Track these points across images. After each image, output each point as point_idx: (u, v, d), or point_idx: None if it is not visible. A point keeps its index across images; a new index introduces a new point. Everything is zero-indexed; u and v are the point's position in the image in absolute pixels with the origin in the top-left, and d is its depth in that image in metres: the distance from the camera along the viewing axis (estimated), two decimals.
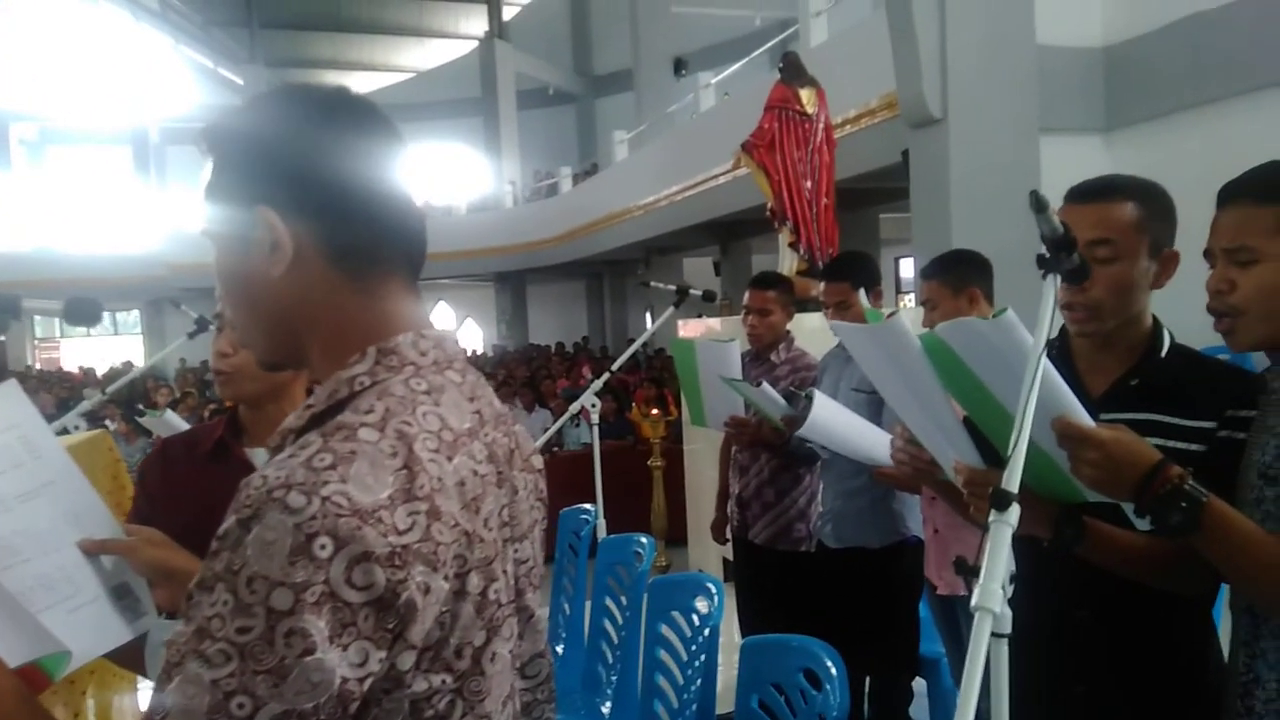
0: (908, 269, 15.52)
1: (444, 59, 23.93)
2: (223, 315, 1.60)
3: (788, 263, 5.32)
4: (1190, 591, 1.36)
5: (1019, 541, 1.49)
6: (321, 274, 0.84)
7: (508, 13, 22.20)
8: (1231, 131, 4.69)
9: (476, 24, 22.17)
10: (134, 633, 1.11)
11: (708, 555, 5.33)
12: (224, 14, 21.06)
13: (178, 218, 19.54)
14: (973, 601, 0.90)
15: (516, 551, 0.92)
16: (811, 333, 3.76)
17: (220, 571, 0.71)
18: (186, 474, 1.63)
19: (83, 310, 2.14)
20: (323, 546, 0.70)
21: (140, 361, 18.62)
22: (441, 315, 23.90)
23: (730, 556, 3.54)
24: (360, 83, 23.60)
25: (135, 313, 23.25)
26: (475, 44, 22.08)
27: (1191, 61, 4.95)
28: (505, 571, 0.87)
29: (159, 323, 21.72)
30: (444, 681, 0.79)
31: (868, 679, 2.89)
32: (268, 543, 0.70)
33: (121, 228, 21.67)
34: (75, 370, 17.86)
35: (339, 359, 0.84)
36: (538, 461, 1.01)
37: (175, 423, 3.05)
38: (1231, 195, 1.32)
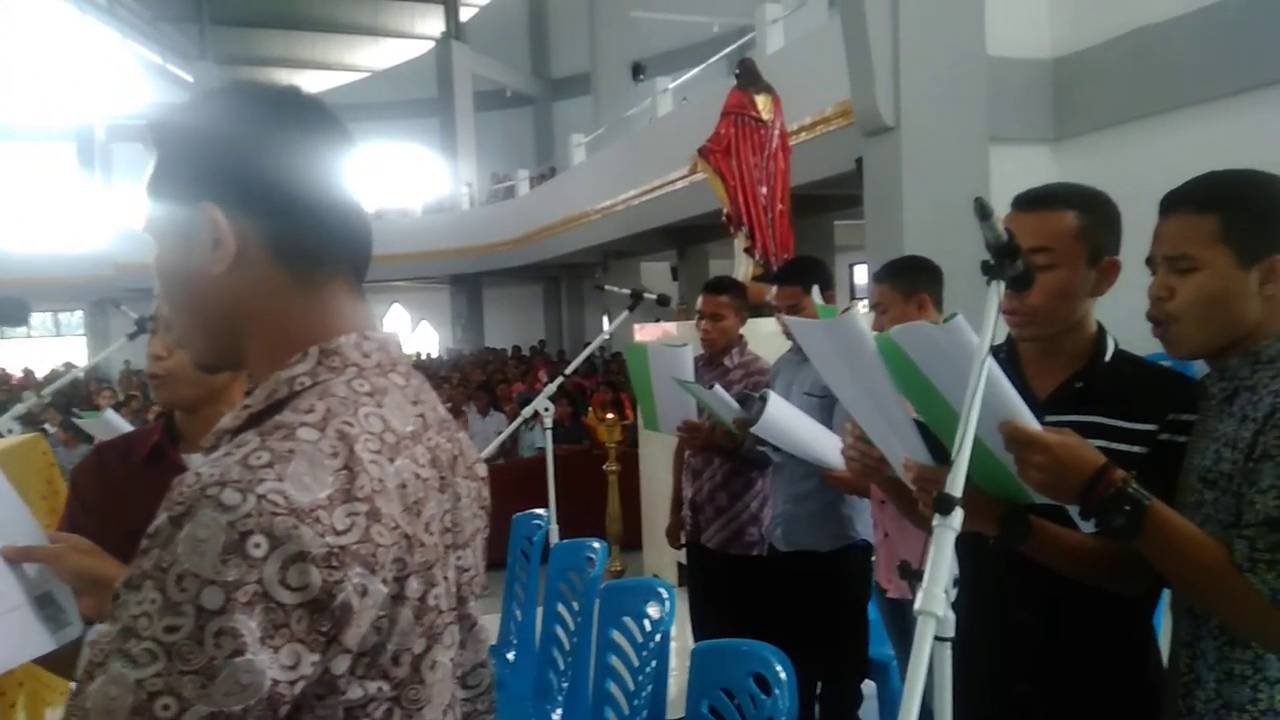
0: (862, 275, 15.70)
1: (399, 59, 23.72)
2: (157, 317, 1.57)
3: (743, 268, 5.34)
4: (1131, 591, 1.38)
5: (964, 542, 1.51)
6: (264, 273, 0.83)
7: (465, 14, 22.09)
8: (1176, 143, 4.81)
9: (433, 24, 22.01)
10: (57, 643, 1.08)
11: (662, 560, 5.32)
12: (174, 9, 20.65)
13: (124, 216, 19.09)
14: (916, 605, 0.90)
15: (459, 559, 0.90)
16: (766, 338, 3.78)
17: (149, 569, 0.69)
18: (121, 480, 1.58)
19: (8, 310, 2.07)
20: (257, 545, 0.68)
21: (83, 364, 18.14)
22: (396, 318, 23.67)
23: (684, 561, 3.53)
24: (314, 81, 23.29)
25: (79, 313, 22.66)
26: (431, 44, 21.93)
27: (1137, 74, 5.07)
28: (446, 578, 0.86)
29: (103, 324, 21.18)
30: (380, 689, 0.77)
31: (818, 682, 2.90)
32: (200, 540, 0.68)
33: (66, 226, 21.10)
34: (18, 373, 17.33)
35: (279, 360, 0.82)
36: (481, 470, 0.99)
37: (116, 423, 2.95)
38: (1173, 204, 1.34)
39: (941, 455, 1.36)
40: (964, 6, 5.24)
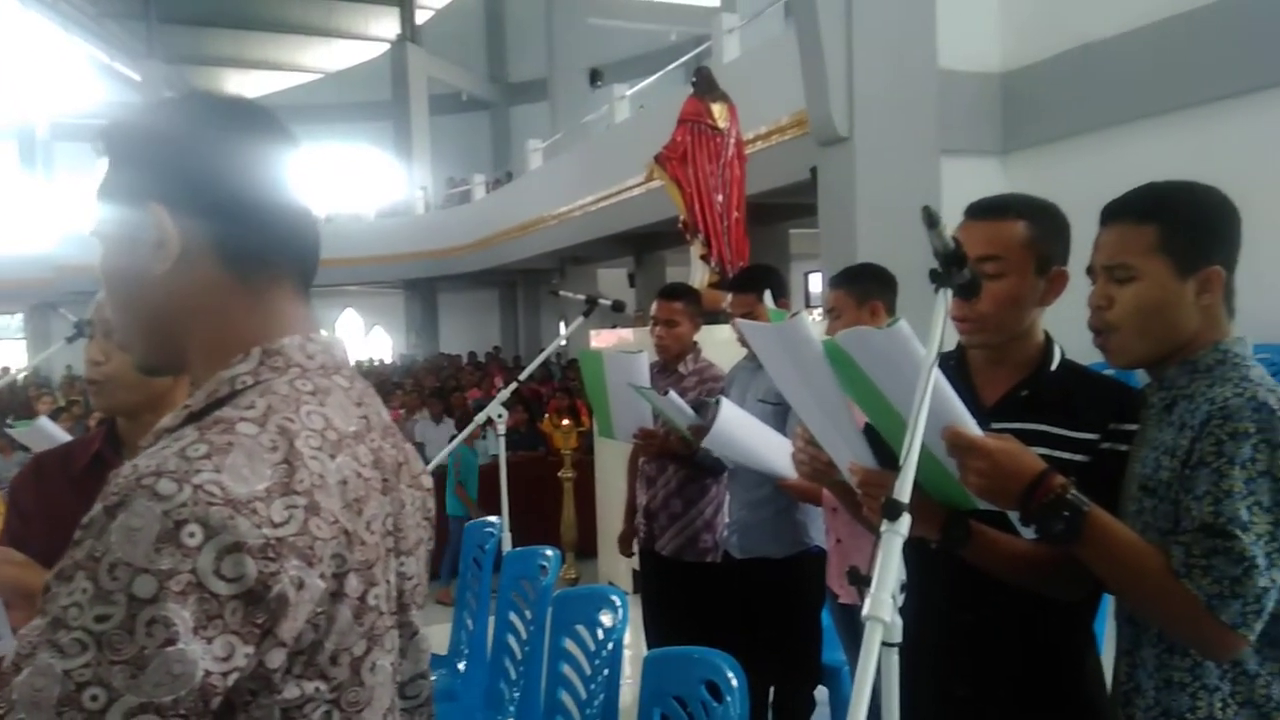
0: (817, 283, 15.85)
1: (353, 61, 23.46)
2: (95, 321, 1.52)
3: (699, 275, 5.36)
4: (1071, 597, 1.40)
5: (909, 546, 1.52)
6: (208, 275, 0.83)
7: (420, 16, 21.93)
8: (1119, 157, 4.94)
9: (387, 26, 21.82)
10: None
11: (617, 567, 5.31)
12: (120, 6, 20.18)
13: (67, 217, 18.58)
14: (864, 611, 0.90)
15: (402, 565, 0.90)
16: (721, 345, 3.78)
17: (81, 560, 0.68)
18: (61, 490, 1.54)
19: None
20: (191, 534, 0.67)
21: (22, 369, 17.59)
22: (348, 323, 23.36)
23: (639, 568, 3.52)
24: (264, 82, 22.99)
25: (19, 317, 22.01)
26: (386, 47, 21.72)
27: (1082, 89, 5.20)
28: (388, 580, 0.86)
29: (44, 327, 20.60)
30: (318, 689, 0.76)
31: (771, 689, 2.91)
32: (133, 529, 0.67)
33: (5, 227, 20.48)
34: None
35: (221, 361, 0.82)
36: (427, 481, 0.99)
37: (51, 432, 2.85)
38: (1113, 214, 1.37)
39: (887, 459, 1.37)
40: (916, 20, 5.33)
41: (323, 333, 0.89)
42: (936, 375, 1.09)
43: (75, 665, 0.65)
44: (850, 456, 1.41)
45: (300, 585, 0.72)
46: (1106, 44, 5.08)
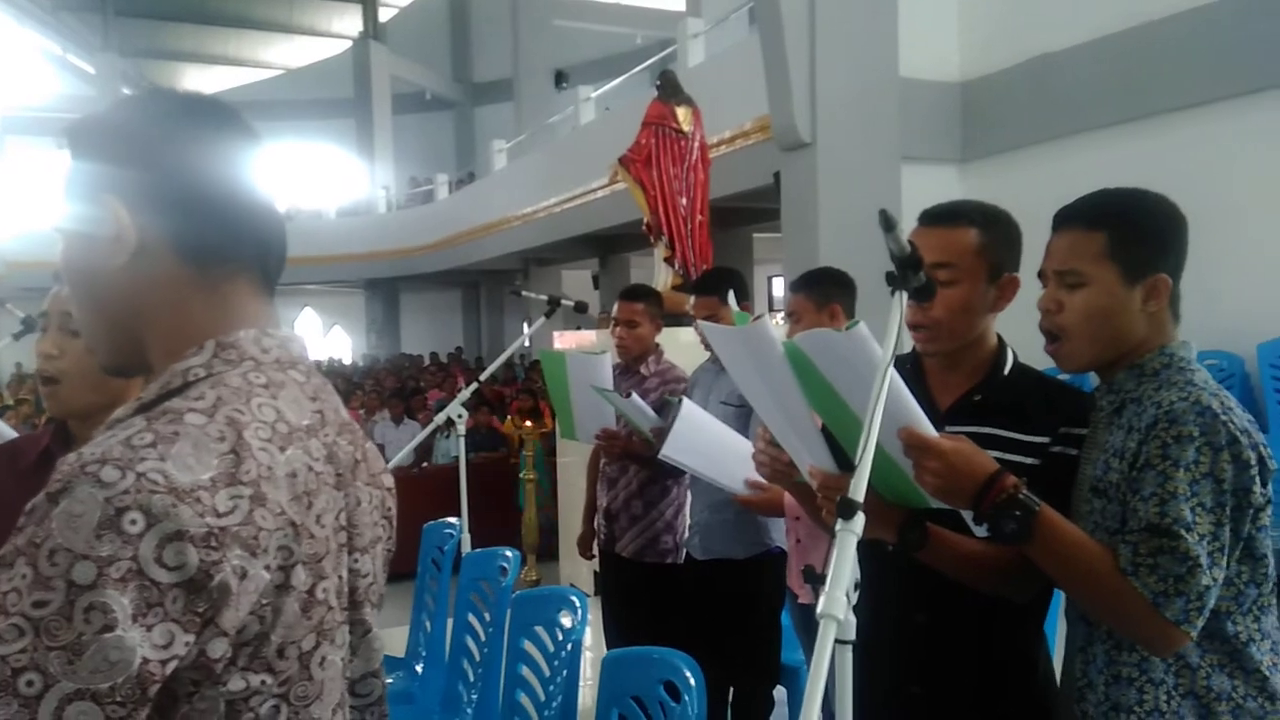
0: (780, 287, 15.97)
1: (315, 57, 23.17)
2: (50, 314, 1.49)
3: (663, 277, 5.38)
4: (1023, 596, 1.43)
5: (865, 547, 1.54)
6: (165, 269, 0.83)
7: (384, 14, 21.71)
8: (1075, 166, 5.04)
9: (350, 24, 21.58)
10: None
11: (579, 569, 5.30)
12: None
13: (18, 212, 18.11)
14: (818, 609, 0.92)
15: (356, 562, 0.90)
16: (685, 347, 3.79)
17: (22, 546, 0.68)
18: (8, 488, 1.50)
19: None
20: (133, 522, 0.68)
21: None
22: (308, 322, 23.06)
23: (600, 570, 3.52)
24: (224, 78, 22.64)
25: None
26: (349, 44, 21.48)
27: (1039, 99, 5.30)
28: (340, 576, 0.86)
29: None
30: (264, 683, 0.76)
31: (730, 689, 2.92)
32: (75, 515, 0.67)
33: None
34: None
35: (178, 356, 0.82)
36: (387, 480, 0.99)
37: None
38: (1064, 220, 1.40)
39: (844, 462, 1.39)
40: (878, 29, 5.40)
41: (282, 328, 0.88)
42: (893, 376, 1.11)
43: (12, 651, 0.65)
44: (811, 459, 1.42)
45: (243, 575, 0.73)
46: (1063, 55, 5.18)
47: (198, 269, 0.84)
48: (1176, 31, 4.58)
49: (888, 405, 1.08)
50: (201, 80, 22.95)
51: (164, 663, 0.69)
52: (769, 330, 1.33)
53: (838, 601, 0.91)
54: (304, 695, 0.80)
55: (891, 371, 1.09)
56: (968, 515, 1.27)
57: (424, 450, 7.76)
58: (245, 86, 22.19)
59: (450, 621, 2.89)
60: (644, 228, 5.44)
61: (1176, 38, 4.58)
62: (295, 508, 0.79)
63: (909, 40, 5.48)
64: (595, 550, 3.43)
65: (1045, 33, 5.29)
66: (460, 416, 3.00)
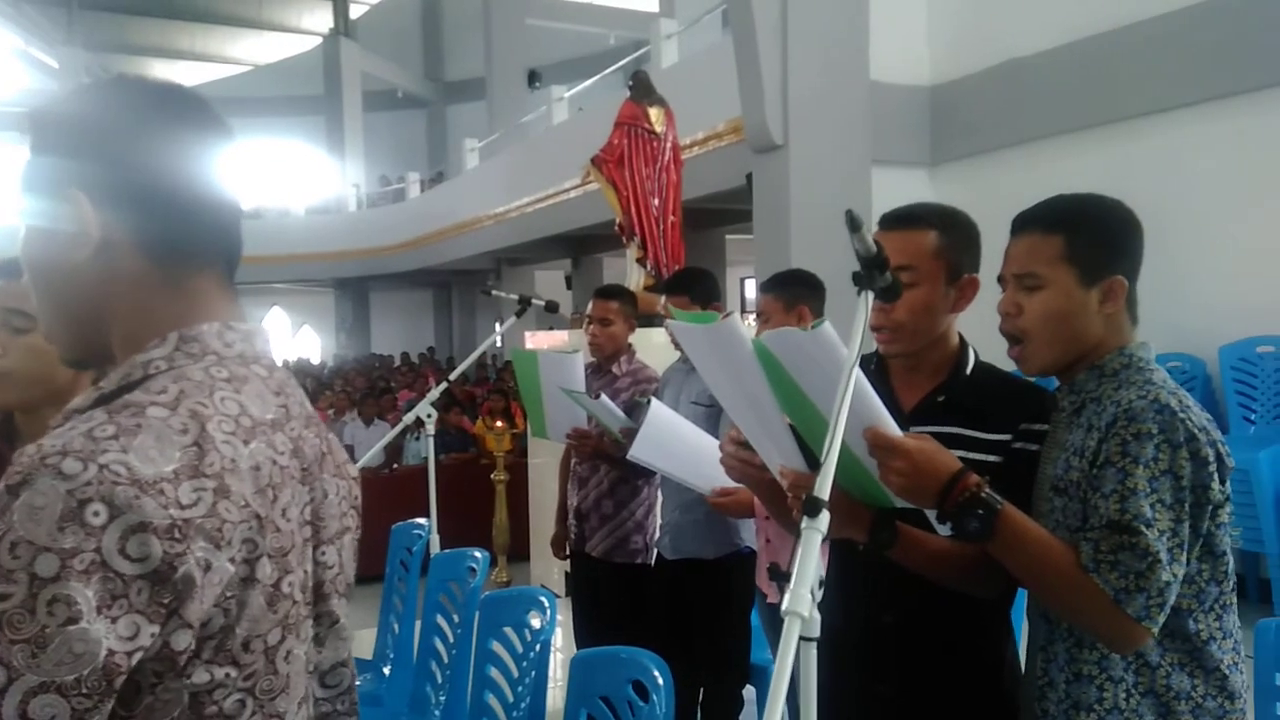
0: (753, 289, 16.02)
1: (284, 54, 22.93)
2: None
3: (635, 278, 5.37)
4: (989, 594, 1.44)
5: (836, 548, 1.54)
6: (128, 264, 0.83)
7: (355, 11, 21.56)
8: (1042, 169, 5.10)
9: (321, 20, 21.40)
10: None
11: (550, 570, 5.28)
12: None
13: None
14: (783, 606, 0.92)
15: (322, 555, 0.90)
16: (658, 348, 3.80)
17: None
18: None
19: None
20: (95, 514, 0.67)
21: None
22: (276, 321, 22.81)
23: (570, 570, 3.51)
24: (191, 73, 22.34)
25: None
26: (319, 40, 21.29)
27: (1008, 104, 5.36)
28: (305, 569, 0.86)
29: None
30: (229, 676, 0.76)
31: (700, 689, 2.93)
32: (36, 508, 0.67)
33: None
34: None
35: (140, 349, 0.82)
36: (352, 470, 0.99)
37: None
38: (1023, 224, 1.42)
39: (814, 462, 1.39)
40: (849, 33, 5.44)
41: (247, 323, 0.88)
42: (858, 377, 1.12)
43: None
44: (780, 459, 1.42)
45: (207, 567, 0.72)
46: (1031, 60, 5.25)
47: (162, 264, 0.83)
48: (1142, 37, 4.66)
49: (853, 405, 1.08)
50: (168, 75, 22.57)
51: (129, 654, 0.68)
52: (738, 328, 1.33)
53: (802, 599, 0.91)
54: (269, 689, 0.80)
55: (857, 371, 1.10)
56: (931, 514, 1.28)
57: (394, 452, 7.69)
58: (212, 83, 21.89)
59: (418, 623, 2.86)
60: (616, 228, 5.43)
61: (1142, 44, 4.66)
62: (260, 500, 0.78)
63: (880, 44, 5.53)
64: (568, 550, 3.42)
65: (1013, 38, 5.35)
66: (429, 416, 2.98)
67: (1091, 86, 4.93)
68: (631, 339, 3.38)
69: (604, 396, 2.89)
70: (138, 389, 0.78)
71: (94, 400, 0.78)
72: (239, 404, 0.80)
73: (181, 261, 0.84)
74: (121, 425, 0.72)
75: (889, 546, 1.36)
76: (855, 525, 1.36)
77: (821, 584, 0.94)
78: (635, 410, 2.87)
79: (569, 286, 13.92)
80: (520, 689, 2.13)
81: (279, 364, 0.91)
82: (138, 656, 0.69)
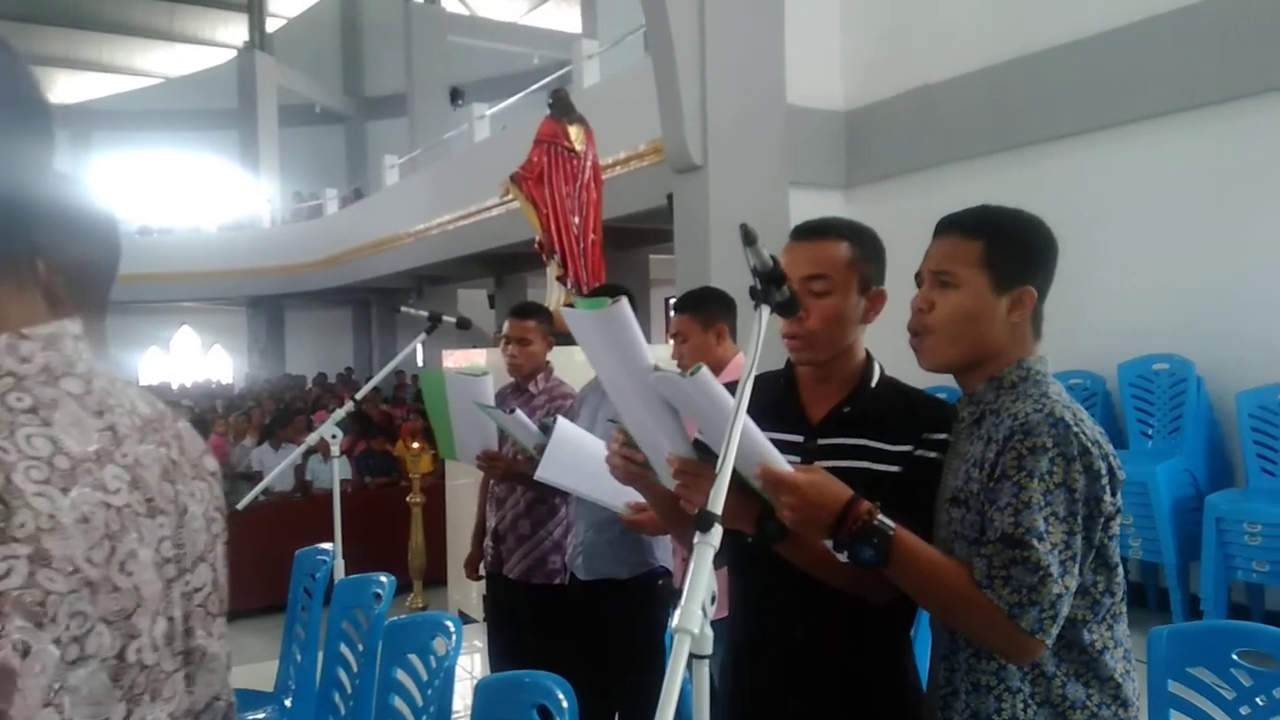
0: None
1: (197, 66, 22.31)
2: None
3: (555, 296, 5.33)
4: (880, 599, 1.44)
5: (753, 562, 1.52)
6: None
7: (271, 24, 21.12)
8: (953, 192, 5.20)
9: (236, 33, 20.91)
10: None
11: (469, 595, 5.17)
12: None
13: None
14: (672, 623, 0.89)
15: (188, 583, 0.78)
16: (578, 366, 3.75)
17: None
18: None
19: None
20: None
21: None
22: (185, 340, 22.05)
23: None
24: (100, 84, 21.57)
25: None
26: (233, 53, 20.78)
27: (920, 128, 5.51)
28: (172, 617, 0.74)
29: None
30: None
31: (615, 712, 2.88)
32: None
33: None
34: None
35: None
36: (211, 464, 0.86)
37: None
38: (947, 226, 1.45)
39: (702, 450, 1.38)
40: (766, 57, 5.53)
41: (50, 320, 0.72)
42: (746, 422, 1.11)
43: None
44: (670, 447, 1.39)
45: (26, 652, 0.60)
46: (942, 87, 5.40)
47: None
48: (1048, 65, 4.84)
49: (742, 444, 1.08)
50: (75, 86, 21.80)
51: None
52: (627, 314, 1.31)
53: (693, 615, 0.88)
54: None
55: (744, 416, 1.09)
56: (828, 544, 1.28)
57: (302, 475, 7.47)
58: (122, 95, 21.19)
59: (321, 653, 2.75)
60: (536, 245, 5.40)
61: (1049, 70, 4.83)
62: (94, 559, 0.66)
63: (796, 69, 5.63)
64: (482, 571, 3.35)
65: (925, 64, 5.51)
66: (334, 437, 2.88)
67: (999, 112, 5.09)
68: (550, 357, 3.34)
69: (519, 413, 2.84)
70: None
71: None
72: (50, 440, 0.66)
73: None
74: None
75: (776, 539, 1.35)
76: (743, 517, 1.35)
77: (714, 600, 0.92)
78: (548, 430, 2.83)
79: (492, 305, 13.81)
80: (425, 718, 2.05)
81: (98, 368, 0.75)
82: None
